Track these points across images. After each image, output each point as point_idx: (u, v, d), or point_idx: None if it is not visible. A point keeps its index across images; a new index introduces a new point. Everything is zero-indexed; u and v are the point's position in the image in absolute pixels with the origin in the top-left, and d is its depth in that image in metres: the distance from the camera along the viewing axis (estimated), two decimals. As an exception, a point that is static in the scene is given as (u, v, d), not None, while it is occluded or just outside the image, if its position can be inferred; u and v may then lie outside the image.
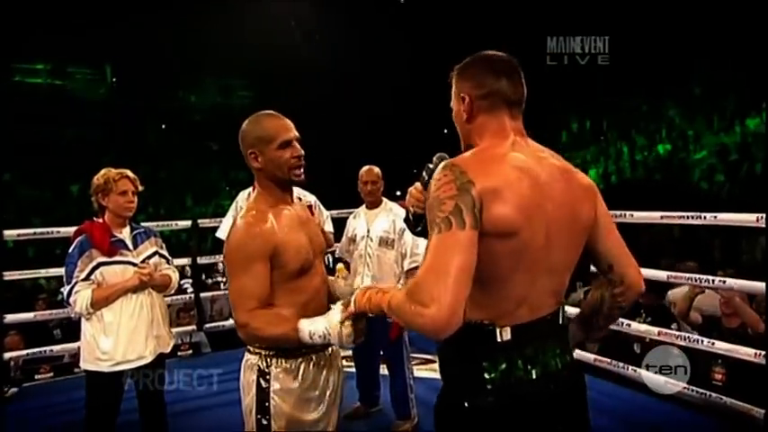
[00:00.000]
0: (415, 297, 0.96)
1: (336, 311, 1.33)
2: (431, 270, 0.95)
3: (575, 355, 1.22)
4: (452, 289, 0.93)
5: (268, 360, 1.43)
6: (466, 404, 1.05)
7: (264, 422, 1.41)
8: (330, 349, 1.52)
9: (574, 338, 1.23)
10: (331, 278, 1.60)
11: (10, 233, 4.03)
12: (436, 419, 1.13)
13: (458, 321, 0.95)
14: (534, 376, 1.06)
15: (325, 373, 1.50)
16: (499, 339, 1.04)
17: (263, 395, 1.42)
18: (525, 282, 1.04)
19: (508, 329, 1.04)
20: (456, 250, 0.95)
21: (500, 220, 0.99)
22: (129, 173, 2.18)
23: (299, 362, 1.44)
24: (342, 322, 1.31)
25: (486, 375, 1.04)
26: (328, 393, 1.50)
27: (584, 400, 1.16)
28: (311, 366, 1.46)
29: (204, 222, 3.99)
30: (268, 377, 1.42)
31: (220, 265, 5.11)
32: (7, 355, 3.53)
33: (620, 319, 3.01)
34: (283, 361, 1.43)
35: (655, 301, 3.31)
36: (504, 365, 1.05)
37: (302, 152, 1.45)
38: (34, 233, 3.85)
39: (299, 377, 1.44)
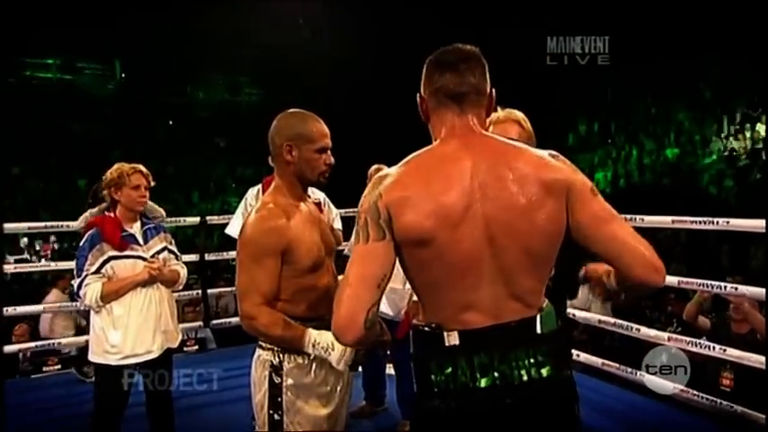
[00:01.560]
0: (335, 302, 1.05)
1: None
2: (341, 282, 1.06)
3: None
4: (349, 296, 1.02)
5: (281, 356, 1.43)
6: (421, 404, 1.07)
7: (277, 417, 1.42)
8: None
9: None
10: (341, 277, 1.60)
11: (20, 226, 4.06)
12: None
13: (356, 327, 1.01)
14: (483, 385, 1.01)
15: (335, 369, 1.49)
16: (446, 343, 1.03)
17: (275, 391, 1.42)
18: (466, 287, 1.01)
19: (455, 334, 1.03)
20: (357, 262, 1.04)
21: (409, 228, 1.01)
22: (143, 168, 2.21)
23: (311, 358, 1.44)
24: (347, 347, 1.35)
25: (433, 378, 1.04)
26: (339, 389, 1.51)
27: (563, 419, 1.06)
28: (323, 362, 1.46)
29: (213, 219, 4.01)
30: (281, 372, 1.43)
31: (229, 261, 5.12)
32: (15, 347, 3.56)
33: (630, 324, 3.00)
34: (296, 357, 1.43)
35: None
36: (449, 369, 1.03)
37: (333, 161, 1.51)
38: (45, 226, 3.88)
39: (312, 373, 1.45)
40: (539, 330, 1.04)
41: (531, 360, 1.03)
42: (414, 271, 1.05)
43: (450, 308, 1.04)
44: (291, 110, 1.52)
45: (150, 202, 2.95)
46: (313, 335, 1.38)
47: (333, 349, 1.36)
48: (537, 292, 1.06)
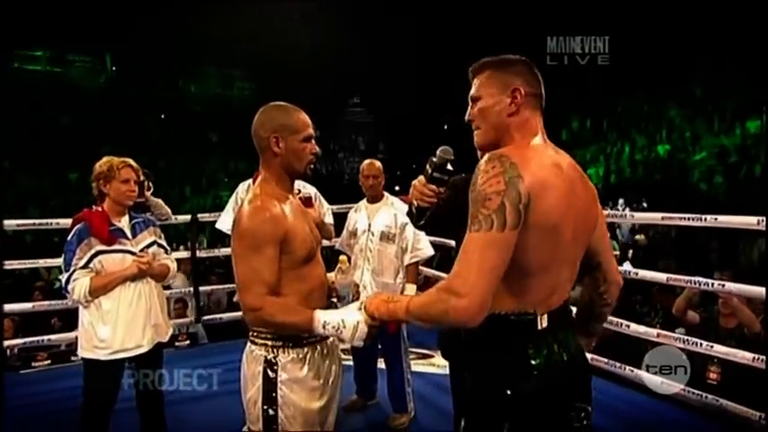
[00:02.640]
0: (451, 289, 1.03)
1: (354, 309, 1.35)
2: (468, 265, 1.02)
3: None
4: (485, 284, 1.01)
5: (275, 350, 1.42)
6: (509, 392, 1.08)
7: (271, 412, 1.41)
8: (330, 339, 1.52)
9: None
10: (330, 275, 1.60)
11: (9, 223, 4.01)
12: (468, 411, 1.14)
13: (484, 314, 1.03)
14: (566, 359, 1.13)
15: (328, 362, 1.50)
16: (540, 327, 1.10)
17: (270, 386, 1.41)
18: (557, 271, 1.11)
19: (546, 316, 1.11)
20: (493, 249, 1.01)
21: (546, 213, 1.05)
22: (132, 162, 2.18)
23: (305, 351, 1.44)
24: (359, 323, 1.32)
25: (533, 362, 1.09)
26: (331, 381, 1.51)
27: (589, 380, 1.22)
28: (316, 355, 1.46)
29: (204, 217, 3.98)
30: (276, 367, 1.41)
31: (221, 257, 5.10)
32: (5, 343, 3.52)
33: (620, 320, 3.03)
34: (291, 351, 1.42)
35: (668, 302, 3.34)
36: (545, 351, 1.10)
37: (318, 150, 1.51)
38: (33, 224, 3.83)
39: (306, 366, 1.44)
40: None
41: (571, 332, 1.19)
42: (531, 253, 1.06)
43: (543, 291, 1.11)
44: (272, 103, 1.51)
45: (159, 200, 2.94)
46: (322, 316, 1.35)
47: (344, 327, 1.33)
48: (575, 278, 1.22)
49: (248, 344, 1.47)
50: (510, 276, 1.06)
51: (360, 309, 1.33)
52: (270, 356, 1.42)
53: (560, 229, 1.07)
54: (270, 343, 1.42)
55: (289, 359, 1.42)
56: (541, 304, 1.11)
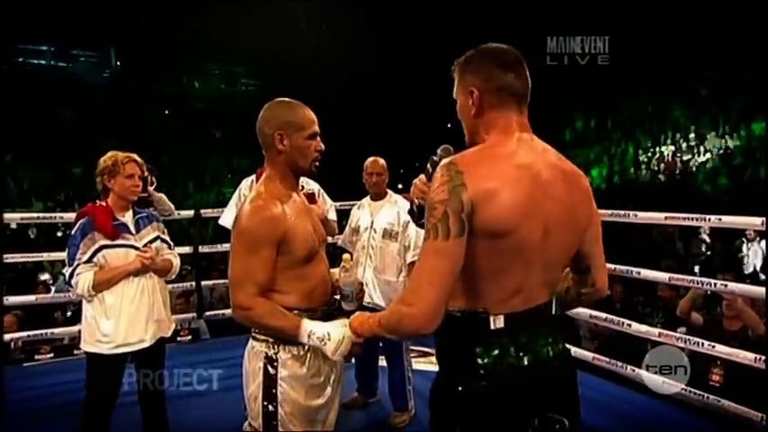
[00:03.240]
0: (403, 299, 1.09)
1: (341, 324, 1.38)
2: (417, 274, 1.06)
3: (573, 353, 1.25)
4: (433, 292, 1.03)
5: (276, 347, 1.43)
6: (460, 388, 1.09)
7: (271, 408, 1.41)
8: None
9: None
10: (333, 270, 1.60)
11: (12, 216, 4.04)
12: (431, 403, 1.16)
13: (436, 322, 1.05)
14: (526, 363, 1.09)
15: (329, 360, 1.49)
16: (492, 327, 1.08)
17: (270, 382, 1.41)
18: (520, 275, 1.08)
19: (501, 318, 1.08)
20: (439, 258, 1.03)
21: (493, 221, 1.02)
22: (137, 157, 2.18)
23: (306, 349, 1.44)
24: (344, 338, 1.35)
25: (479, 361, 1.08)
26: (332, 379, 1.51)
27: (574, 388, 1.18)
28: (317, 353, 1.46)
29: (207, 213, 4.00)
30: (276, 364, 1.42)
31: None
32: (7, 336, 3.55)
33: (621, 319, 3.02)
34: (291, 348, 1.43)
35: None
36: (496, 351, 1.08)
37: (323, 147, 1.49)
38: (38, 217, 3.85)
39: (306, 364, 1.44)
40: (552, 311, 1.16)
41: (551, 338, 1.14)
42: (479, 259, 1.05)
43: (501, 294, 1.08)
44: (277, 99, 1.50)
45: (163, 196, 2.94)
46: (309, 325, 1.38)
47: (329, 340, 1.36)
48: (558, 280, 1.19)
49: (250, 340, 1.48)
50: (463, 277, 1.08)
51: (346, 325, 1.36)
52: (270, 353, 1.42)
53: (518, 234, 1.03)
54: (271, 339, 1.43)
55: (289, 356, 1.42)
56: (497, 305, 1.08)
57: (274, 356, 1.42)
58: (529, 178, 1.05)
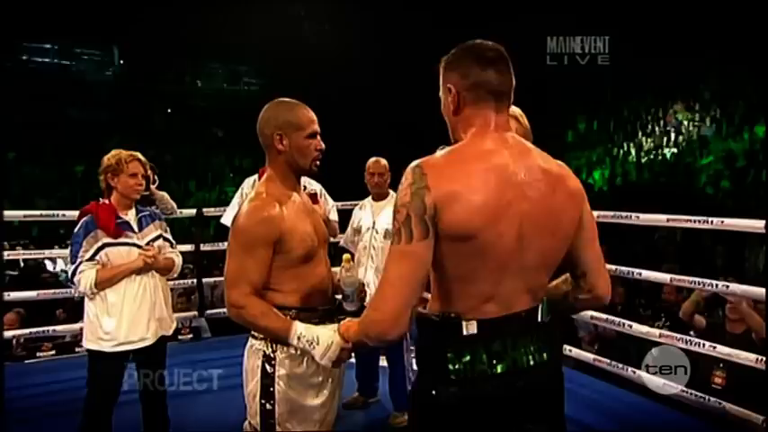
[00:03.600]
0: (371, 304, 1.07)
1: (332, 329, 1.39)
2: (382, 278, 1.05)
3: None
4: (396, 297, 1.02)
5: (274, 345, 1.43)
6: (433, 392, 1.07)
7: (269, 407, 1.42)
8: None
9: None
10: (335, 269, 1.60)
11: (15, 214, 4.06)
12: (409, 405, 1.16)
13: (400, 326, 1.03)
14: (499, 371, 1.06)
15: None
16: (465, 332, 1.05)
17: (267, 380, 1.42)
18: (492, 280, 1.05)
19: (474, 323, 1.05)
20: (403, 262, 1.02)
21: (456, 224, 1.00)
22: (141, 156, 2.19)
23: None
24: (332, 343, 1.36)
25: (451, 366, 1.06)
26: (331, 380, 1.51)
27: (558, 401, 1.15)
28: None
29: (209, 212, 4.01)
30: (273, 362, 1.43)
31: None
32: (8, 333, 3.56)
33: (623, 320, 3.02)
34: (290, 347, 1.43)
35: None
36: (467, 358, 1.05)
37: (324, 146, 1.49)
38: (40, 215, 3.87)
39: (304, 363, 1.45)
40: (539, 319, 1.11)
41: (534, 346, 1.09)
42: (447, 263, 1.04)
43: (472, 299, 1.06)
44: (276, 99, 1.50)
45: (165, 194, 2.94)
46: (299, 327, 1.39)
47: (317, 344, 1.37)
48: (544, 287, 1.14)
49: (249, 338, 1.48)
50: (436, 281, 1.08)
51: (336, 330, 1.37)
52: (269, 351, 1.43)
53: (484, 237, 1.00)
54: (269, 337, 1.43)
55: (287, 355, 1.43)
56: (470, 311, 1.05)
57: (272, 355, 1.42)
58: (501, 179, 1.02)
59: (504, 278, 1.05)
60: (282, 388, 1.42)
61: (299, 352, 1.43)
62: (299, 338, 1.38)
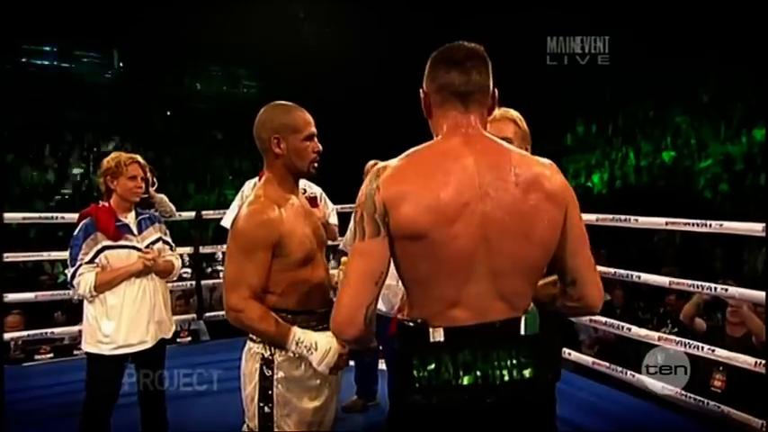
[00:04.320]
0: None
1: (331, 335, 1.38)
2: (343, 278, 1.07)
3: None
4: (349, 294, 1.04)
5: (272, 348, 1.44)
6: (402, 398, 1.07)
7: (267, 410, 1.43)
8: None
9: None
10: (333, 272, 1.60)
11: (14, 216, 4.06)
12: (388, 415, 1.16)
13: (355, 325, 1.04)
14: (465, 383, 1.01)
15: None
16: (431, 339, 1.03)
17: (266, 383, 1.43)
18: (452, 284, 1.01)
19: (441, 330, 1.02)
20: (356, 259, 1.04)
21: (405, 223, 1.00)
22: (140, 158, 2.20)
23: None
24: (330, 349, 1.37)
25: (415, 373, 1.04)
26: (329, 383, 1.52)
27: (544, 421, 1.08)
28: None
29: (208, 214, 4.01)
30: (272, 365, 1.43)
31: (220, 254, 5.12)
32: (7, 336, 3.56)
33: (621, 323, 3.02)
34: (288, 350, 1.43)
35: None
36: (432, 366, 1.02)
37: (321, 148, 1.50)
38: (39, 217, 3.87)
39: (302, 366, 1.45)
40: (522, 332, 1.05)
41: (514, 361, 1.03)
42: (404, 265, 1.05)
43: (436, 304, 1.03)
44: (273, 102, 1.51)
45: (164, 197, 2.95)
46: (298, 333, 1.39)
47: (315, 349, 1.38)
48: (524, 295, 1.07)
49: (247, 341, 1.49)
50: (404, 285, 1.09)
51: (333, 336, 1.37)
52: (267, 354, 1.43)
53: (434, 237, 0.98)
54: (268, 341, 1.43)
55: (285, 358, 1.43)
56: (436, 317, 1.03)
57: (271, 358, 1.43)
58: (460, 179, 1.01)
59: (467, 283, 1.01)
60: (280, 391, 1.43)
61: (297, 355, 1.43)
62: (297, 344, 1.38)
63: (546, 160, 1.10)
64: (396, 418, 1.09)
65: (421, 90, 1.12)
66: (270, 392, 1.42)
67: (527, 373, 1.04)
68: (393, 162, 1.07)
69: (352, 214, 1.08)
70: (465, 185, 1.01)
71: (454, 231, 0.99)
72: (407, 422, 1.06)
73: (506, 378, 1.02)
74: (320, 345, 1.37)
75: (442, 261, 1.01)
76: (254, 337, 1.46)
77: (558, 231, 1.06)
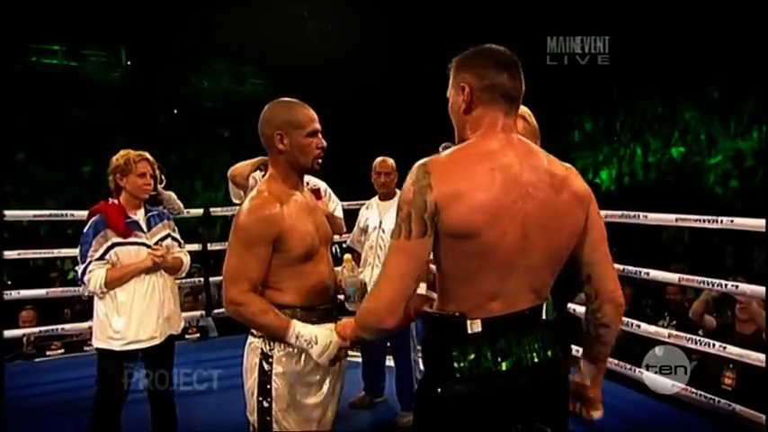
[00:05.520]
0: (368, 294, 1.13)
1: (330, 328, 1.40)
2: (383, 271, 1.09)
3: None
4: (391, 289, 1.07)
5: (272, 343, 1.44)
6: (439, 390, 1.09)
7: (266, 404, 1.43)
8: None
9: (585, 377, 1.26)
10: (337, 268, 1.60)
11: (25, 213, 4.10)
12: (414, 403, 1.18)
13: (395, 315, 1.08)
14: (504, 368, 1.08)
15: None
16: (469, 331, 1.07)
17: (265, 378, 1.43)
18: (496, 279, 1.06)
19: (478, 322, 1.07)
20: (401, 257, 1.06)
21: (458, 223, 1.02)
22: (149, 155, 2.21)
23: None
24: (330, 342, 1.37)
25: (456, 364, 1.07)
26: (329, 379, 1.52)
27: (562, 397, 1.18)
28: None
29: (216, 211, 4.04)
30: (271, 360, 1.44)
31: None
32: (20, 332, 3.60)
33: (630, 320, 3.00)
34: (287, 345, 1.44)
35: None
36: (472, 356, 1.07)
37: (325, 144, 1.50)
38: (49, 215, 3.92)
39: (302, 361, 1.45)
40: (543, 316, 1.13)
41: (539, 344, 1.11)
42: (449, 261, 1.07)
43: (477, 297, 1.07)
44: (277, 99, 1.52)
45: (172, 194, 2.97)
46: (297, 326, 1.39)
47: (315, 343, 1.38)
48: (549, 285, 1.14)
49: (249, 336, 1.50)
50: (440, 280, 1.11)
51: (333, 330, 1.39)
52: (266, 349, 1.44)
53: (487, 236, 1.02)
54: (268, 335, 1.44)
55: (284, 353, 1.44)
56: (475, 309, 1.07)
57: (270, 353, 1.44)
58: (506, 178, 1.04)
59: (509, 277, 1.06)
60: (279, 385, 1.43)
61: (296, 350, 1.44)
62: (297, 337, 1.38)
63: (566, 164, 1.16)
64: (434, 412, 1.10)
65: (463, 85, 1.11)
66: (268, 387, 1.43)
67: (550, 353, 1.13)
68: (438, 159, 1.07)
69: (397, 210, 1.07)
70: (511, 185, 1.05)
71: (501, 230, 1.03)
72: (448, 414, 1.08)
73: (536, 359, 1.10)
74: (320, 338, 1.38)
75: (491, 258, 1.05)
76: (255, 332, 1.47)
77: (581, 229, 1.14)
